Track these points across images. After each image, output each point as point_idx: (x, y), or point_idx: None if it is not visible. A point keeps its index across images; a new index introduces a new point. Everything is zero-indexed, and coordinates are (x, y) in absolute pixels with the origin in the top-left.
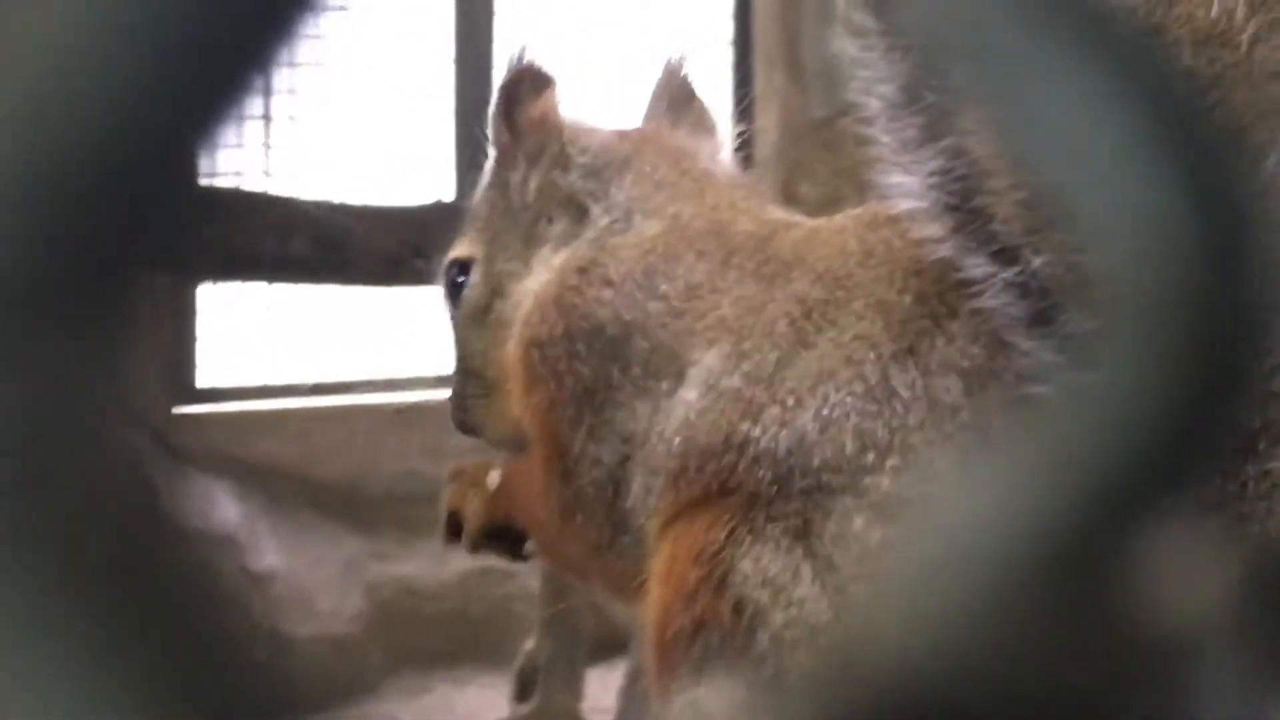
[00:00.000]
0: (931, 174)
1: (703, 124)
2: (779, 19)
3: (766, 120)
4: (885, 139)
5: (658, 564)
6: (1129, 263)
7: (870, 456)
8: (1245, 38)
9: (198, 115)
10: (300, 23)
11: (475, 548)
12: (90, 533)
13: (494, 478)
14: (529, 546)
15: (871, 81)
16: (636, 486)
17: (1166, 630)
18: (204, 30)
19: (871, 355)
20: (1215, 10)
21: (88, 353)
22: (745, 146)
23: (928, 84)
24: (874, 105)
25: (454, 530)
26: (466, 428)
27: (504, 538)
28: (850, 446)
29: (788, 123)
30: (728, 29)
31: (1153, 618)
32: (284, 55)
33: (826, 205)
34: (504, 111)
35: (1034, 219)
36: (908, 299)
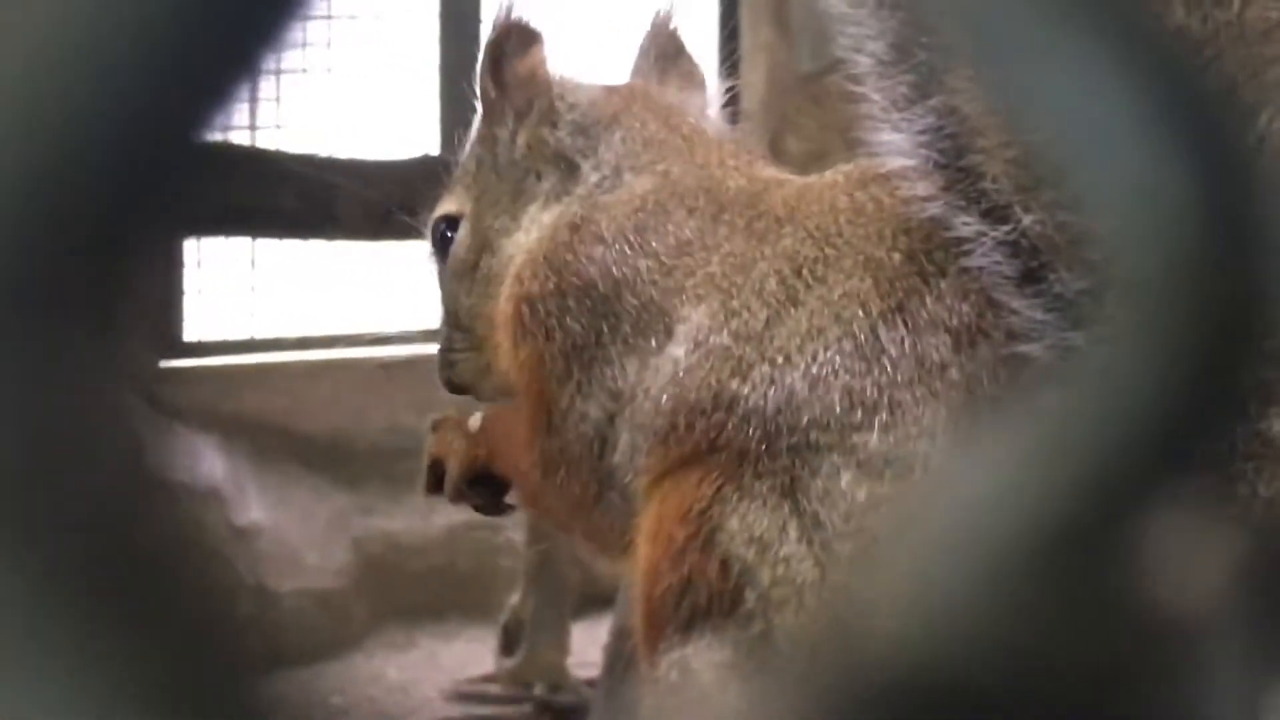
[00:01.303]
0: (922, 132)
1: (692, 79)
2: None
3: (754, 74)
4: (875, 96)
5: (645, 522)
6: (1122, 222)
7: (858, 414)
8: None
9: (194, 71)
10: None
11: (457, 496)
12: (76, 488)
13: (475, 419)
14: (511, 497)
15: (861, 38)
16: (623, 444)
17: (1166, 604)
18: None
19: (860, 313)
20: None
21: (83, 313)
22: (732, 101)
23: (918, 41)
24: (864, 62)
25: (436, 480)
26: (454, 385)
27: (486, 485)
28: (839, 404)
29: (775, 77)
30: None
31: (1151, 589)
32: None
33: (813, 160)
34: (492, 67)
35: (1024, 177)
36: (897, 257)
